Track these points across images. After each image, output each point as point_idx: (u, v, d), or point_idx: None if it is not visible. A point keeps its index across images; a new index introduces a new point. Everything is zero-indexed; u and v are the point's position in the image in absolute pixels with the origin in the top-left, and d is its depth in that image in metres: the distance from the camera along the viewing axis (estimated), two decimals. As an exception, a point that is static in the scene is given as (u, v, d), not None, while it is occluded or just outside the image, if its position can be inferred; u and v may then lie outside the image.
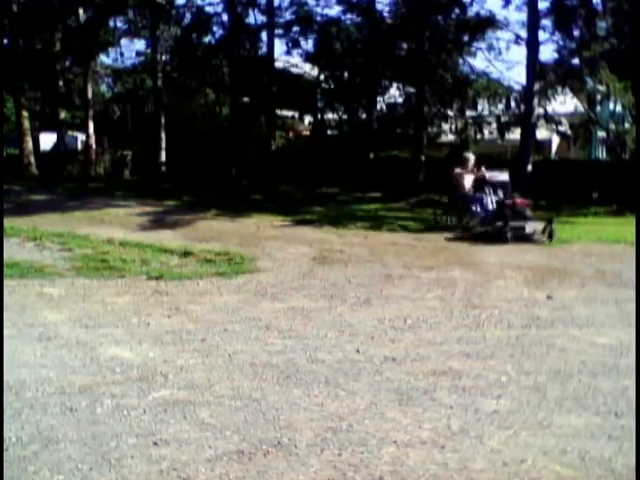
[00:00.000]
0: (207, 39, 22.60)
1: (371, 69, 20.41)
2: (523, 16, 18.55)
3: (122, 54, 24.99)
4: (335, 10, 43.73)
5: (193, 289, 6.70)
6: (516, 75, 49.77)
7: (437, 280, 7.29)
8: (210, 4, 23.67)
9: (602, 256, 8.98)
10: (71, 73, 24.94)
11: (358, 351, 4.65)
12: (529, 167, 17.41)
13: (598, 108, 20.39)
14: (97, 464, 2.94)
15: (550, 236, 10.16)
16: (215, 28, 22.34)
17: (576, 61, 18.71)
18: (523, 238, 10.08)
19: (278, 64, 22.01)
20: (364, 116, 22.02)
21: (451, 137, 21.13)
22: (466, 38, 19.58)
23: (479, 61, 62.30)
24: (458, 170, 11.71)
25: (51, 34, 23.44)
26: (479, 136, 20.52)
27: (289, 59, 22.39)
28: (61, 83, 24.72)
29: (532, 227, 10.31)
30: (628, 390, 3.85)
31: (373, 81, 21.00)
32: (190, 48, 22.26)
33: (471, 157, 11.97)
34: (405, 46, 20.98)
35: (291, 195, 17.83)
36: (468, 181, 11.54)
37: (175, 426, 3.34)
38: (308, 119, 24.02)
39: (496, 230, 10.34)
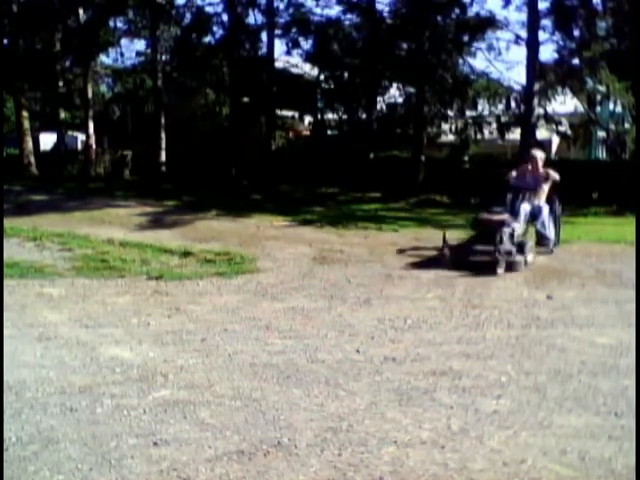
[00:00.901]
0: (207, 39, 22.58)
1: (371, 69, 20.40)
2: (523, 16, 18.57)
3: (122, 54, 25.00)
4: (335, 10, 43.77)
5: (193, 289, 6.70)
6: (516, 75, 49.68)
7: (437, 280, 7.29)
8: (210, 4, 23.69)
9: (602, 256, 8.98)
10: (71, 73, 24.93)
11: (358, 351, 4.65)
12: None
13: (598, 108, 20.39)
14: (97, 464, 2.94)
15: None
16: (215, 28, 22.34)
17: (576, 61, 18.72)
18: (470, 266, 7.67)
19: (278, 64, 22.00)
20: (364, 116, 22.01)
21: (451, 137, 21.14)
22: (466, 38, 19.57)
23: (479, 61, 62.21)
24: (515, 173, 9.27)
25: (51, 34, 23.42)
26: (479, 136, 20.54)
27: (289, 59, 22.40)
28: (61, 83, 24.72)
29: (486, 255, 7.69)
30: (628, 390, 3.85)
31: (373, 81, 20.99)
32: (190, 48, 22.25)
33: (538, 155, 9.44)
34: (405, 46, 20.97)
35: (291, 195, 17.83)
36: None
37: (175, 426, 3.34)
38: (308, 119, 24.02)
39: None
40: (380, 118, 21.69)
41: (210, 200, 15.71)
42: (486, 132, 20.50)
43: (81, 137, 26.77)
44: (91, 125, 23.59)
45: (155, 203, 15.20)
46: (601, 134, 20.98)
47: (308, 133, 24.21)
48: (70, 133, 28.02)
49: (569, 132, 20.47)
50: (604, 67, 17.29)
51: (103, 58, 25.39)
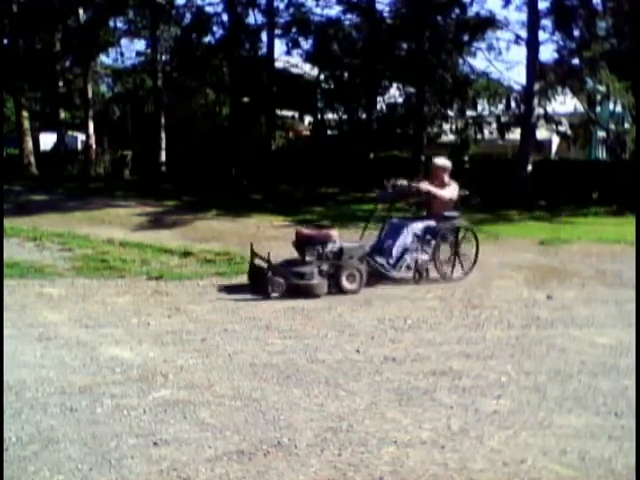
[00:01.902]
0: (207, 39, 22.62)
1: (371, 69, 20.41)
2: (523, 16, 18.60)
3: (122, 54, 25.06)
4: (335, 10, 43.83)
5: (193, 289, 6.70)
6: (516, 75, 49.89)
7: (437, 280, 7.28)
8: (210, 4, 23.73)
9: (602, 256, 8.98)
10: (71, 73, 24.95)
11: (358, 351, 4.65)
12: (529, 167, 17.42)
13: (598, 108, 20.40)
14: (97, 464, 2.94)
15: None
16: (215, 28, 22.38)
17: (576, 61, 18.73)
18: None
19: (278, 64, 22.02)
20: (364, 116, 22.03)
21: (451, 137, 21.14)
22: (466, 38, 19.60)
23: (479, 61, 62.53)
24: (404, 182, 7.49)
25: (51, 34, 23.45)
26: (479, 136, 20.54)
27: (289, 59, 22.42)
28: (61, 83, 24.73)
29: (270, 280, 6.31)
30: (628, 390, 3.85)
31: (373, 81, 21.00)
32: (190, 48, 22.27)
33: (438, 163, 7.77)
34: (405, 46, 20.99)
35: (291, 195, 17.83)
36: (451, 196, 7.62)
37: (175, 426, 3.34)
38: (308, 119, 24.03)
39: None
40: (380, 118, 21.70)
41: (210, 200, 15.71)
42: (486, 132, 20.52)
43: (81, 137, 26.78)
44: (91, 125, 23.60)
45: (155, 203, 15.21)
46: (601, 134, 20.99)
47: (308, 133, 24.21)
48: (70, 133, 28.02)
49: (569, 132, 20.49)
50: (604, 67, 17.29)
51: (103, 58, 25.50)
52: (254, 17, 21.96)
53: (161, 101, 22.71)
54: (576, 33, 18.33)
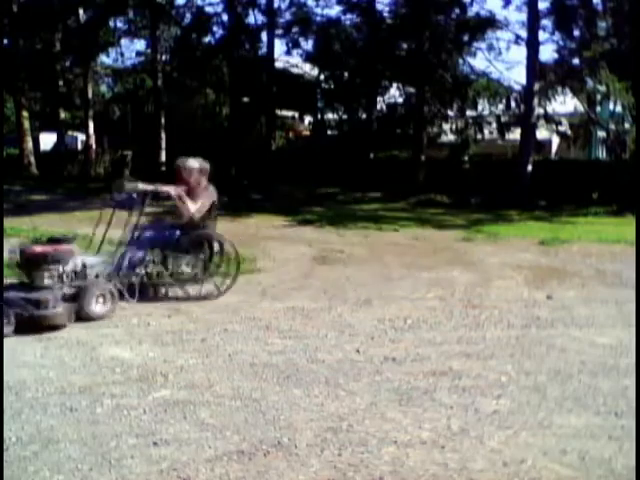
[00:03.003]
0: (207, 39, 22.67)
1: (371, 69, 20.42)
2: (523, 16, 18.65)
3: (122, 54, 25.13)
4: (335, 10, 43.83)
5: (193, 289, 6.67)
6: (516, 75, 49.86)
7: (437, 280, 7.29)
8: (210, 4, 23.73)
9: (602, 256, 8.98)
10: (71, 73, 24.96)
11: (358, 351, 4.65)
12: (529, 167, 17.43)
13: (598, 108, 20.42)
14: (97, 464, 2.94)
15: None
16: (215, 28, 22.44)
17: (576, 61, 18.76)
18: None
19: (278, 64, 22.04)
20: (364, 116, 22.04)
21: (451, 137, 21.16)
22: (466, 38, 19.65)
23: (479, 61, 62.45)
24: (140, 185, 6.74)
25: (51, 34, 23.47)
26: (479, 136, 20.57)
27: (289, 59, 22.46)
28: (61, 83, 24.75)
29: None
30: (628, 390, 3.84)
31: (373, 81, 21.01)
32: (190, 48, 22.29)
33: (190, 164, 6.82)
34: (405, 46, 21.02)
35: (291, 195, 17.82)
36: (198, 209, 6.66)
37: (175, 426, 3.34)
38: (308, 119, 24.03)
39: None
40: (380, 118, 21.72)
41: (210, 200, 15.66)
42: (486, 132, 20.55)
43: (81, 137, 26.78)
44: (91, 125, 23.62)
45: (155, 203, 15.15)
46: (601, 134, 21.00)
47: (308, 133, 24.22)
48: (70, 133, 28.02)
49: (569, 132, 20.50)
50: (604, 67, 17.32)
51: (103, 58, 25.52)
52: (254, 17, 22.02)
53: (161, 101, 22.72)
54: (576, 33, 18.38)
